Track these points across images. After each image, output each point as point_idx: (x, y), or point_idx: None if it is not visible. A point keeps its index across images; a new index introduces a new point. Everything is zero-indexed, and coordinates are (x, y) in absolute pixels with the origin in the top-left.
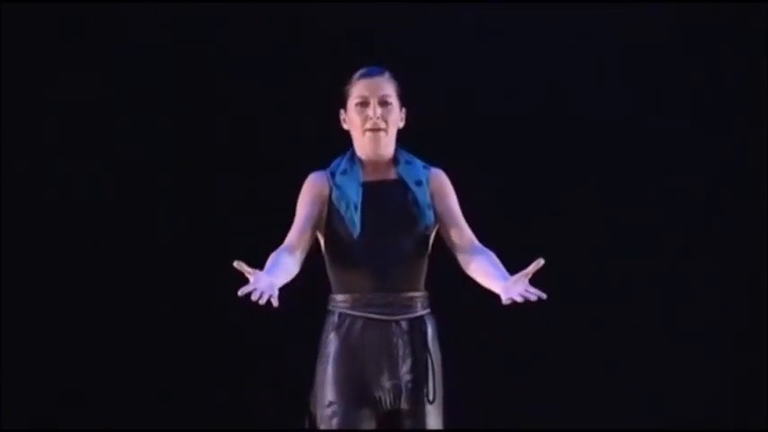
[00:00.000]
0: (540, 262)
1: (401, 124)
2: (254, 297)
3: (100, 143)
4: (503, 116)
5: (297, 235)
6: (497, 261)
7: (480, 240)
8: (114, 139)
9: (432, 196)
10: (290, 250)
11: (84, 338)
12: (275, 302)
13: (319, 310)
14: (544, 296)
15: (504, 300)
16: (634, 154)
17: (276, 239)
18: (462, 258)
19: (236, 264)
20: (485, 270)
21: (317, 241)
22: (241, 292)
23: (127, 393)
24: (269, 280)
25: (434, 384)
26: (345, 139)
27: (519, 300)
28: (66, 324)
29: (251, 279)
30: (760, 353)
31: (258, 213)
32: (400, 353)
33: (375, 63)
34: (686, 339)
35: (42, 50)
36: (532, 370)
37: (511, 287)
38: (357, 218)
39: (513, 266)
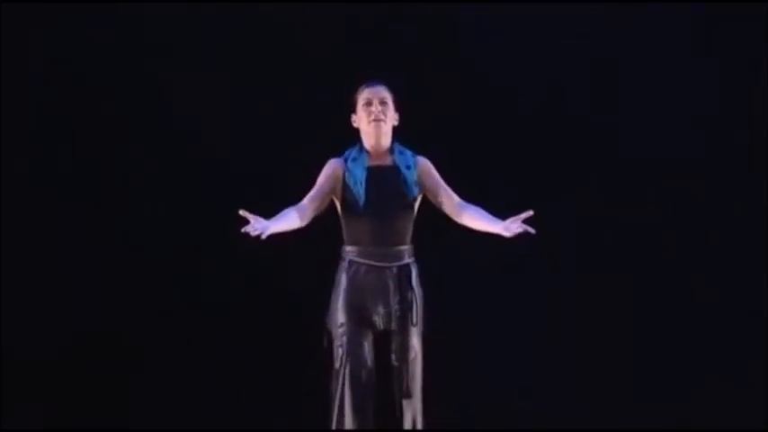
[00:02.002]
0: (530, 212)
1: (395, 123)
2: (247, 230)
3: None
4: (502, 115)
5: (309, 199)
6: (485, 211)
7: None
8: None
9: (420, 177)
10: (300, 208)
11: (84, 337)
12: (263, 237)
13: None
14: (533, 231)
15: (509, 234)
16: (635, 153)
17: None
18: (456, 214)
19: (241, 212)
20: (478, 218)
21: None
22: (242, 230)
23: (128, 392)
24: (265, 223)
25: (416, 312)
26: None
27: (520, 231)
28: (65, 323)
29: (251, 221)
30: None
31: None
32: (391, 290)
33: (375, 66)
34: (688, 339)
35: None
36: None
37: (510, 225)
38: (362, 192)
39: (511, 262)
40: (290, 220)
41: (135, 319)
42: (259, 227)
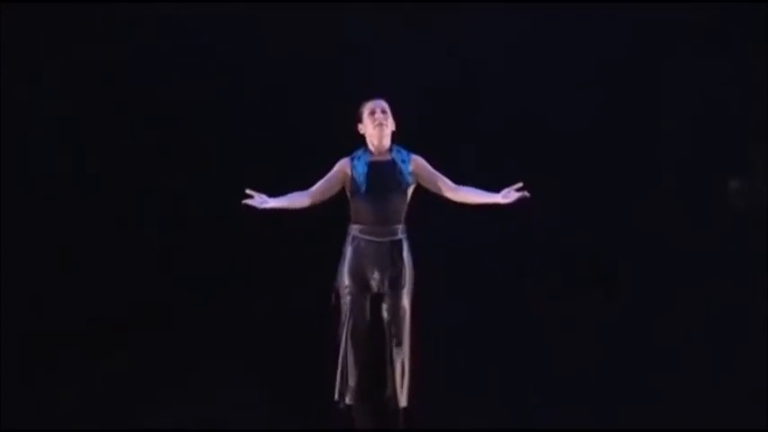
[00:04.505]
0: (520, 184)
1: (393, 129)
2: (247, 202)
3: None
4: (500, 115)
5: (318, 186)
6: (478, 188)
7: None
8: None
9: (415, 170)
10: (307, 192)
11: (85, 336)
12: (260, 208)
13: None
14: (529, 195)
15: (507, 202)
16: (640, 153)
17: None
18: (454, 195)
19: (247, 191)
20: (475, 194)
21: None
22: (243, 201)
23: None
24: (265, 199)
25: (405, 277)
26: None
27: (518, 196)
28: (66, 322)
29: (255, 197)
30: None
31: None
32: (386, 260)
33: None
34: (687, 339)
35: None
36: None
37: (507, 194)
38: (363, 181)
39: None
40: (290, 199)
41: (136, 316)
42: (260, 200)
